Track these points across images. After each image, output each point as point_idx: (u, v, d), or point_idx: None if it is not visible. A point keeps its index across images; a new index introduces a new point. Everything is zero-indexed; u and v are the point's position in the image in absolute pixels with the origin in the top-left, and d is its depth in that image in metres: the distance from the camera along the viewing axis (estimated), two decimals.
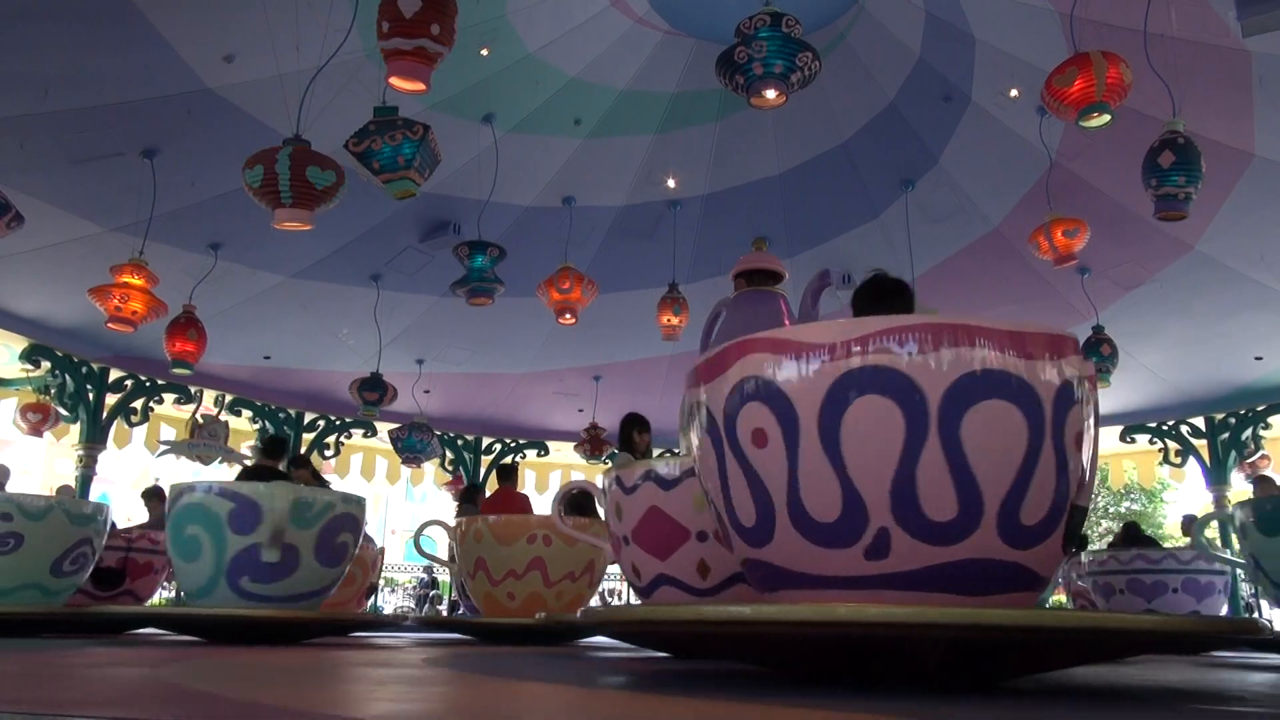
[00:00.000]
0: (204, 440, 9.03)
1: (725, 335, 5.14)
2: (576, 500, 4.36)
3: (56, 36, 5.44)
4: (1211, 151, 5.21)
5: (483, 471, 11.34)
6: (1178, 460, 9.99)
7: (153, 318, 6.55)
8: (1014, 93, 6.74)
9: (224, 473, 9.06)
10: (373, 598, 9.90)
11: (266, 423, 10.22)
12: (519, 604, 4.41)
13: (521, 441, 11.95)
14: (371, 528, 8.73)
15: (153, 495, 6.99)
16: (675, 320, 7.77)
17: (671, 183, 8.15)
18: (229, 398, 9.89)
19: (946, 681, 1.47)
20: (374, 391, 8.76)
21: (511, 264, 7.33)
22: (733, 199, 8.16)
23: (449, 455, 11.39)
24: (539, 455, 12.13)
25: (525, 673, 2.01)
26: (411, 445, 9.61)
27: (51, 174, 6.46)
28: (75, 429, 8.75)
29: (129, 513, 9.93)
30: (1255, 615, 9.39)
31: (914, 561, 1.47)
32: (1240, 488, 9.60)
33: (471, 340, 9.66)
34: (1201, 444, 9.81)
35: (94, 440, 8.70)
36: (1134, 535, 7.12)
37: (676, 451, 4.43)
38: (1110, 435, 10.21)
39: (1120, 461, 11.37)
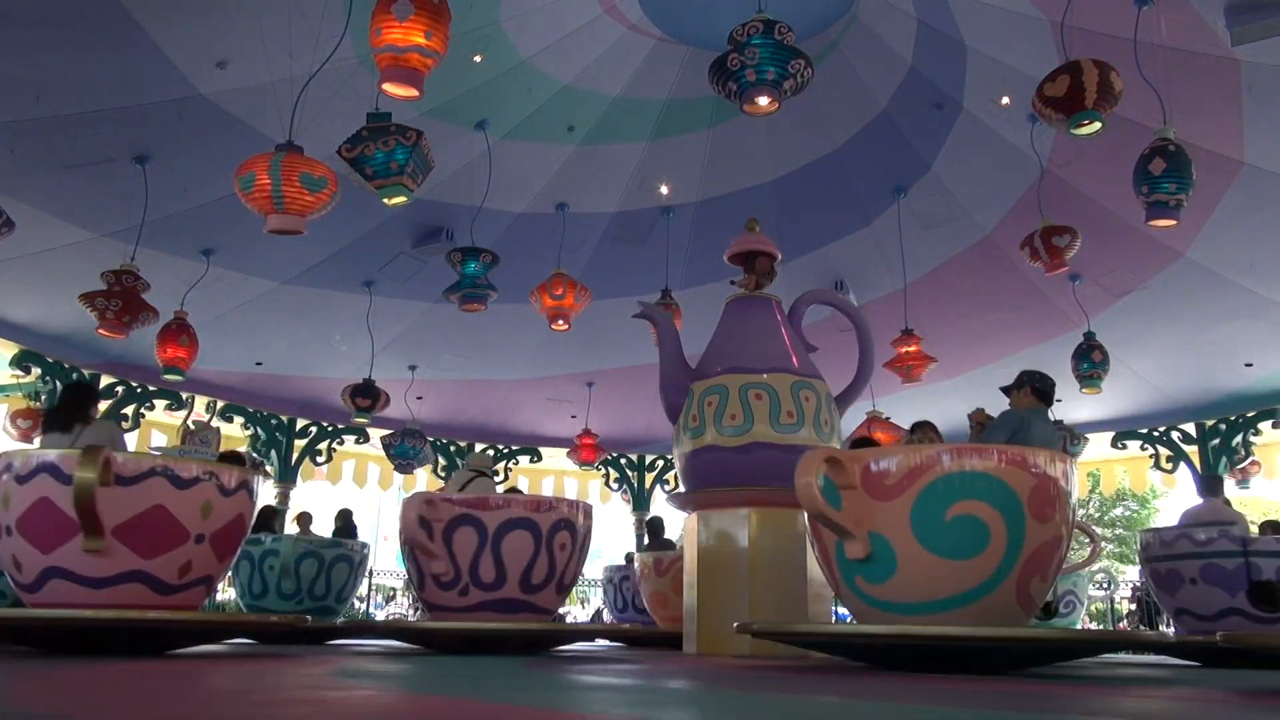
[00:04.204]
0: (196, 447, 8.90)
1: (721, 340, 5.14)
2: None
3: (48, 41, 5.42)
4: (1201, 159, 5.23)
5: None
6: (1169, 466, 10.03)
7: (144, 324, 6.53)
8: (1005, 100, 6.77)
9: None
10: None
11: (258, 429, 10.19)
12: None
13: (514, 448, 11.92)
14: (363, 533, 8.71)
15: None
16: None
17: (664, 189, 8.16)
18: (221, 404, 9.86)
19: None
20: (366, 398, 8.72)
21: (504, 270, 7.31)
22: (725, 206, 8.16)
23: (441, 462, 11.35)
24: (532, 462, 12.10)
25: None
26: (404, 452, 9.59)
27: (42, 180, 6.44)
28: None
29: None
30: None
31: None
32: (1232, 494, 9.62)
33: (464, 346, 9.64)
34: (1192, 450, 9.84)
35: None
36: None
37: None
38: (1102, 441, 10.23)
39: (1112, 467, 11.40)
